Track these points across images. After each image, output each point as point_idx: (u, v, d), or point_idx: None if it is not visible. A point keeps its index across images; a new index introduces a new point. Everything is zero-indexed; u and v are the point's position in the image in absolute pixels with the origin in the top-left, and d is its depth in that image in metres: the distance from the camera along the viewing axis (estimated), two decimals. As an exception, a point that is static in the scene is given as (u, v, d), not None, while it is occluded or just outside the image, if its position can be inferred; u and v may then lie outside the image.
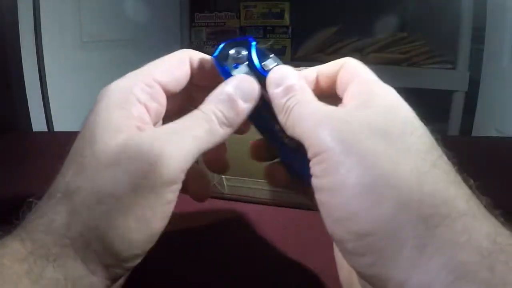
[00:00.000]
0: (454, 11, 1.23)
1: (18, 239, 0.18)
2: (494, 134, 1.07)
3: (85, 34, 1.10)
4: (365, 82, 0.21)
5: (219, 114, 0.21)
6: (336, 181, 0.17)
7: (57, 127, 0.98)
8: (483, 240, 0.15)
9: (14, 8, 0.79)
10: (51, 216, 0.18)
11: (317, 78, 0.24)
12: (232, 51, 0.23)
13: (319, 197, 0.18)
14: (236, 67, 0.23)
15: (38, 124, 0.91)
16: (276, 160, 0.25)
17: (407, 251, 0.16)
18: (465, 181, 0.18)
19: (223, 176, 0.39)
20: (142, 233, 0.19)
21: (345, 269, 0.23)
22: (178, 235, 0.32)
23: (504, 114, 1.06)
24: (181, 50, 0.24)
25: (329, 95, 0.22)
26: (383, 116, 0.18)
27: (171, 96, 0.23)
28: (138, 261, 0.20)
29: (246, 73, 0.23)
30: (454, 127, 1.28)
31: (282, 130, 0.22)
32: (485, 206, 0.17)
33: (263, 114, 0.23)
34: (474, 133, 1.18)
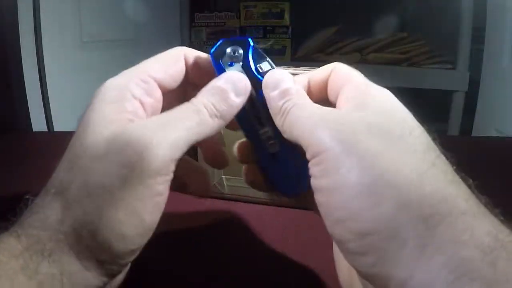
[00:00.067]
0: (454, 11, 1.23)
1: (14, 235, 0.18)
2: (494, 134, 1.07)
3: (85, 34, 1.10)
4: (360, 84, 0.21)
5: (210, 106, 0.21)
6: (335, 181, 0.17)
7: (57, 127, 0.98)
8: (484, 237, 0.15)
9: (14, 8, 0.79)
10: (46, 212, 0.18)
11: (308, 84, 0.24)
12: (229, 49, 0.23)
13: (319, 197, 0.18)
14: (231, 65, 0.23)
15: (38, 124, 0.91)
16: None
17: (408, 250, 0.16)
18: (464, 180, 0.18)
19: (223, 176, 0.39)
20: (133, 227, 0.19)
21: (344, 270, 0.23)
22: (178, 235, 0.32)
23: (504, 114, 1.06)
24: (176, 47, 0.24)
25: (320, 100, 0.22)
26: (381, 116, 0.19)
27: (167, 93, 0.23)
28: (133, 257, 0.20)
29: (240, 72, 0.23)
30: (454, 127, 1.28)
31: (265, 134, 0.23)
32: (484, 205, 0.17)
33: (250, 116, 0.23)
34: (474, 133, 1.18)
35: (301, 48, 1.49)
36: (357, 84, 0.21)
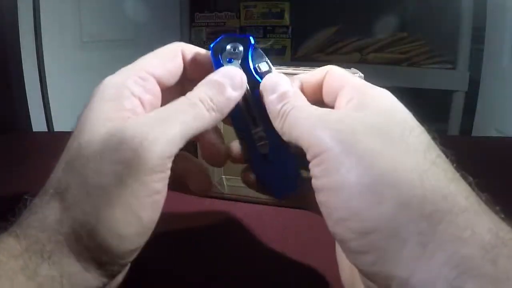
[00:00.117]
0: (454, 11, 1.23)
1: (14, 235, 0.18)
2: (494, 134, 1.07)
3: (85, 34, 1.10)
4: (359, 86, 0.21)
5: (206, 99, 0.21)
6: (336, 181, 0.17)
7: (57, 127, 0.98)
8: (485, 234, 0.15)
9: (14, 8, 0.79)
10: (44, 212, 0.18)
11: (301, 87, 0.24)
12: (229, 46, 0.23)
13: (320, 197, 0.18)
14: (229, 62, 0.23)
15: (38, 124, 0.91)
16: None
17: (410, 248, 0.16)
18: (464, 178, 0.18)
19: (223, 176, 0.39)
20: (131, 226, 0.19)
21: (347, 269, 0.23)
22: (178, 235, 0.32)
23: (504, 114, 1.06)
24: (173, 43, 0.24)
25: (314, 103, 0.23)
26: (380, 116, 0.19)
27: (165, 90, 0.23)
28: (133, 257, 0.20)
29: (237, 68, 0.23)
30: (454, 127, 1.28)
31: (257, 134, 0.23)
32: (485, 203, 0.17)
33: (243, 115, 0.23)
34: (474, 133, 1.18)
35: (301, 48, 1.49)
36: (356, 85, 0.21)
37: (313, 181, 0.19)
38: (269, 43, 1.49)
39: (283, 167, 0.24)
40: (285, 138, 0.21)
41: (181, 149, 0.20)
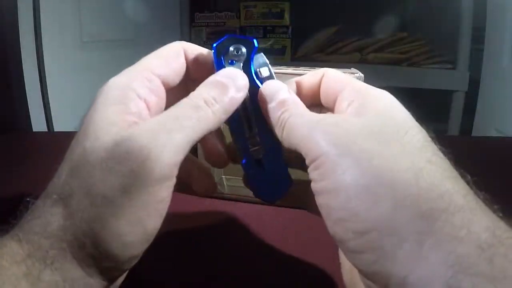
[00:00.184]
0: (454, 11, 1.23)
1: (16, 239, 0.18)
2: (494, 134, 1.07)
3: (85, 34, 1.10)
4: (358, 88, 0.21)
5: (210, 100, 0.20)
6: (333, 183, 0.18)
7: (57, 127, 0.98)
8: (482, 233, 0.15)
9: (14, 8, 0.79)
10: (47, 217, 0.18)
11: (297, 89, 0.24)
12: (232, 47, 0.23)
13: (319, 200, 0.19)
14: (231, 63, 0.23)
15: (38, 124, 0.91)
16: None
17: (407, 247, 0.16)
18: (462, 176, 0.18)
19: (223, 176, 0.39)
20: (136, 234, 0.18)
21: (347, 269, 0.23)
22: (178, 235, 0.32)
23: (504, 114, 1.06)
24: (175, 42, 0.24)
25: (310, 106, 0.23)
26: (378, 118, 0.19)
27: (170, 90, 0.23)
28: (135, 262, 0.20)
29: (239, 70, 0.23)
30: (454, 127, 1.28)
31: (251, 138, 0.23)
32: (483, 200, 0.17)
33: (240, 119, 0.23)
34: (474, 133, 1.18)
35: (301, 48, 1.49)
36: (356, 87, 0.21)
37: (312, 184, 0.19)
38: (269, 43, 1.49)
39: (274, 172, 0.24)
40: (285, 144, 0.21)
41: None
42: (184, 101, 0.20)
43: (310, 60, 1.45)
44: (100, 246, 0.18)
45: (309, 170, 0.19)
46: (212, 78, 0.22)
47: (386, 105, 0.20)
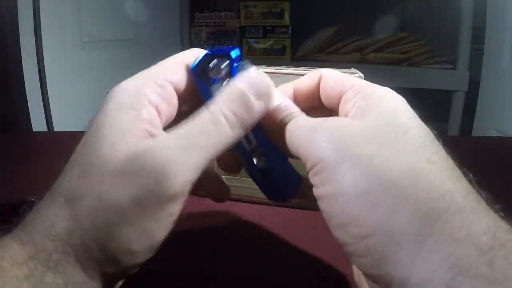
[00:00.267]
0: (454, 11, 1.23)
1: (18, 240, 0.18)
2: (494, 134, 1.07)
3: (85, 34, 1.10)
4: (362, 87, 0.21)
5: (230, 115, 0.20)
6: (333, 189, 0.18)
7: (57, 127, 0.98)
8: (482, 235, 0.15)
9: (14, 8, 0.79)
10: (52, 219, 0.18)
11: (294, 93, 0.24)
12: (212, 64, 0.21)
13: (321, 205, 0.19)
14: (215, 81, 0.21)
15: (38, 124, 0.91)
16: None
17: (407, 249, 0.16)
18: (465, 175, 0.18)
19: (223, 176, 0.39)
20: (144, 244, 0.19)
21: (356, 270, 0.23)
22: (178, 235, 0.32)
23: (504, 114, 1.06)
24: (191, 49, 0.23)
25: (308, 109, 0.23)
26: (377, 120, 0.19)
27: (182, 96, 0.22)
28: (138, 268, 0.20)
29: (259, 71, 0.21)
30: (454, 127, 1.28)
31: (252, 150, 0.23)
32: (485, 200, 0.17)
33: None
34: (474, 133, 1.18)
35: (301, 48, 1.49)
36: (359, 87, 0.21)
37: (313, 190, 0.19)
38: (269, 43, 1.49)
39: (282, 175, 0.24)
40: (286, 152, 0.21)
41: None
42: (204, 113, 0.20)
43: (310, 60, 1.45)
44: (107, 252, 0.18)
45: (309, 175, 0.19)
46: (230, 87, 0.20)
47: (389, 105, 0.19)
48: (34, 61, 0.93)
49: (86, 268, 0.18)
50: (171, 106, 0.21)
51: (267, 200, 0.39)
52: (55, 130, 0.97)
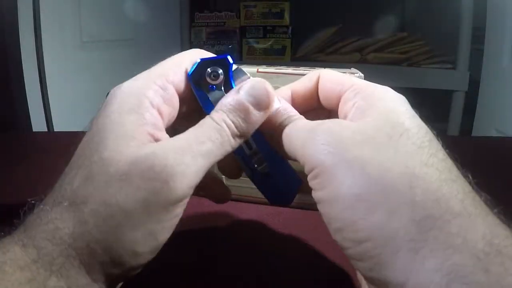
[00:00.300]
0: (454, 11, 1.23)
1: (20, 244, 0.18)
2: (494, 134, 1.07)
3: (85, 34, 1.10)
4: (363, 87, 0.21)
5: (231, 125, 0.20)
6: (330, 193, 0.18)
7: (57, 127, 0.98)
8: (478, 242, 0.15)
9: (14, 8, 0.79)
10: (56, 223, 0.18)
11: (292, 95, 0.24)
12: (208, 71, 0.22)
13: (320, 208, 0.19)
14: (211, 88, 0.22)
15: (38, 124, 0.91)
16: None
17: (403, 255, 0.16)
18: (464, 177, 0.18)
19: (223, 176, 0.39)
20: (149, 246, 0.19)
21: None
22: (178, 235, 0.32)
23: (504, 114, 1.06)
24: (191, 50, 0.23)
25: (306, 111, 0.23)
26: (374, 121, 0.19)
27: (182, 97, 0.22)
28: (141, 269, 0.20)
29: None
30: (454, 127, 1.28)
31: (252, 155, 0.23)
32: (484, 202, 0.17)
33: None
34: (474, 133, 1.18)
35: (301, 48, 1.49)
36: (360, 87, 0.21)
37: (312, 193, 0.19)
38: (269, 43, 1.49)
39: (283, 178, 0.24)
40: (285, 156, 0.21)
41: None
42: (208, 121, 0.20)
43: (310, 60, 1.45)
44: (112, 254, 0.18)
45: (308, 179, 0.19)
46: (231, 97, 0.21)
47: (388, 104, 0.19)
48: (34, 61, 0.93)
49: (90, 271, 0.18)
50: (172, 107, 0.21)
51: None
52: (55, 130, 0.97)
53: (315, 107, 0.23)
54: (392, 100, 0.20)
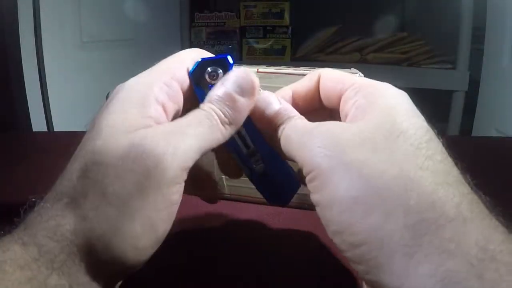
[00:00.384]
0: (454, 11, 1.23)
1: (20, 242, 0.17)
2: (494, 134, 1.07)
3: (85, 34, 1.10)
4: (363, 85, 0.21)
5: (219, 113, 0.21)
6: (327, 196, 0.18)
7: (57, 127, 0.98)
8: (472, 247, 0.15)
9: (14, 8, 0.80)
10: (57, 220, 0.18)
11: (292, 96, 0.24)
12: (209, 70, 0.22)
13: (318, 211, 0.19)
14: (211, 87, 0.22)
15: (38, 124, 0.91)
16: None
17: (398, 259, 0.16)
18: (463, 177, 0.18)
19: (223, 176, 0.39)
20: (148, 238, 0.19)
21: None
22: (178, 235, 0.32)
23: (504, 114, 1.06)
24: (193, 49, 0.23)
25: (307, 111, 0.23)
26: (372, 122, 0.19)
27: (186, 94, 0.22)
28: (140, 266, 0.20)
29: (246, 69, 0.22)
30: (454, 127, 1.28)
31: (250, 155, 0.23)
32: (483, 203, 0.17)
33: (234, 137, 0.23)
34: (474, 133, 1.18)
35: (301, 48, 1.49)
36: (361, 85, 0.21)
37: (310, 195, 0.19)
38: (269, 43, 1.49)
39: (281, 178, 0.24)
40: (284, 157, 0.21)
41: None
42: (198, 111, 0.21)
43: (310, 60, 1.45)
44: (113, 250, 0.18)
45: (306, 181, 0.19)
46: (217, 88, 0.21)
47: (389, 102, 0.19)
48: (34, 61, 0.93)
49: (90, 268, 0.18)
50: (176, 104, 0.21)
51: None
52: (55, 130, 0.97)
53: (317, 107, 0.23)
54: (393, 97, 0.20)
